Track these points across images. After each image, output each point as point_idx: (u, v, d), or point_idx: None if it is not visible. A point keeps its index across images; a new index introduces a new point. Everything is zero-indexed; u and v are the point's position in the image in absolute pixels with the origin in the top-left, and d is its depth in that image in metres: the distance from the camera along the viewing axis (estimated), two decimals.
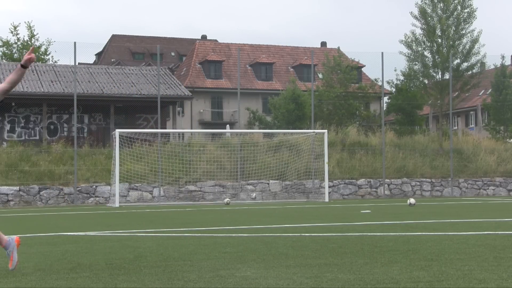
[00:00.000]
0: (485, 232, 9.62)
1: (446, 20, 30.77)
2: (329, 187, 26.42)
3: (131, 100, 31.48)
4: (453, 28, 30.95)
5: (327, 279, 5.42)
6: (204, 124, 49.23)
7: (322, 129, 27.67)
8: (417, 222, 12.30)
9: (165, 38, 71.49)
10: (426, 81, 33.18)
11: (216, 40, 64.01)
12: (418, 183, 28.42)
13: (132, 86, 32.56)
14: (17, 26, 40.04)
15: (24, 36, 41.27)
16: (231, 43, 55.24)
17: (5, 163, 25.28)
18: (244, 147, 27.29)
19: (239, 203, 23.97)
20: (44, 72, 32.86)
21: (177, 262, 6.70)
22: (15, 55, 39.74)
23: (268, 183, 26.59)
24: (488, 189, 29.17)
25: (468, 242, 8.19)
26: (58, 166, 25.53)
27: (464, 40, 31.16)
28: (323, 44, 60.82)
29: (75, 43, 25.90)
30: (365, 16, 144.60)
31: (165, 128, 33.12)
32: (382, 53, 28.76)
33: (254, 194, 23.31)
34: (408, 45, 31.45)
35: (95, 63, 64.15)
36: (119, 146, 23.70)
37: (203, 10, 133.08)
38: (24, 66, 5.90)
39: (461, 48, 31.07)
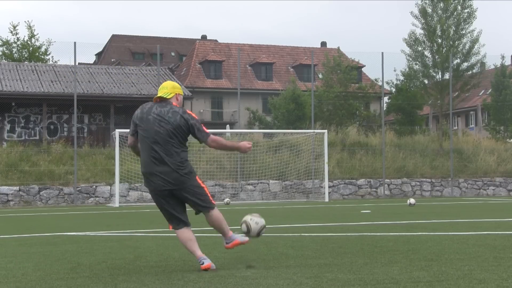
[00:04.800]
0: (485, 232, 9.62)
1: (446, 20, 30.79)
2: (329, 187, 26.42)
3: (131, 100, 31.46)
4: (453, 28, 30.96)
5: (327, 279, 5.42)
6: (204, 124, 49.16)
7: (322, 129, 27.65)
8: (417, 222, 12.30)
9: (165, 38, 71.48)
10: (426, 81, 33.18)
11: (216, 40, 64.01)
12: (418, 183, 28.41)
13: (132, 86, 32.56)
14: (17, 25, 40.01)
15: (24, 36, 41.29)
16: (231, 43, 55.23)
17: (5, 163, 25.28)
18: None
19: (239, 203, 23.97)
20: (44, 72, 32.86)
21: (177, 262, 6.71)
22: (15, 55, 39.72)
23: (268, 183, 26.59)
24: (488, 189, 29.17)
25: (468, 242, 8.19)
26: (58, 166, 25.53)
27: (464, 40, 31.18)
28: (323, 44, 60.82)
29: (75, 43, 25.90)
30: (365, 16, 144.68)
31: None
32: (382, 53, 28.78)
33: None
34: (409, 45, 31.48)
35: (95, 63, 64.15)
36: (119, 146, 23.69)
37: (203, 10, 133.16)
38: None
39: (461, 48, 31.09)
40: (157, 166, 6.00)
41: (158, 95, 6.19)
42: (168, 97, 6.17)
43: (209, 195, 6.24)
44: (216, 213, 6.22)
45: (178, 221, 6.25)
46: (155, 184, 6.06)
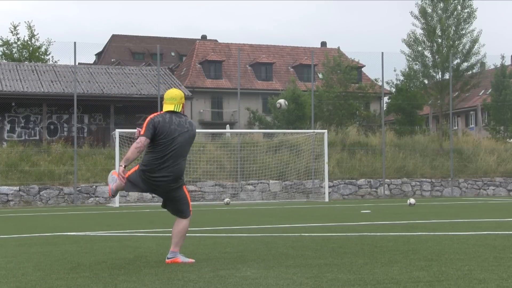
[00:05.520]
0: (485, 232, 9.63)
1: (446, 20, 30.79)
2: (329, 187, 26.41)
3: (131, 100, 31.46)
4: (453, 28, 30.96)
5: (327, 279, 5.42)
6: (204, 124, 49.23)
7: (322, 129, 27.65)
8: (417, 222, 12.30)
9: (165, 38, 71.47)
10: (426, 81, 33.18)
11: (216, 40, 64.01)
12: (418, 183, 28.41)
13: (132, 86, 32.56)
14: (17, 25, 40.04)
15: (24, 36, 41.29)
16: (231, 43, 55.23)
17: (5, 163, 25.28)
18: (244, 147, 27.28)
19: (239, 203, 23.98)
20: (44, 72, 32.86)
21: None
22: (15, 55, 39.74)
23: (268, 183, 26.58)
24: (488, 189, 29.17)
25: (468, 242, 8.19)
26: (58, 166, 25.53)
27: (464, 40, 31.18)
28: (323, 44, 60.82)
29: (75, 43, 25.89)
30: (365, 16, 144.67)
31: None
32: (382, 53, 28.77)
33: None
34: (409, 45, 31.48)
35: (95, 63, 64.14)
36: (119, 146, 23.69)
37: (203, 10, 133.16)
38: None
39: (461, 48, 31.09)
40: (161, 171, 6.62)
41: (170, 108, 6.80)
42: (179, 110, 6.85)
43: (189, 205, 6.88)
44: (184, 223, 6.87)
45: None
46: (148, 186, 6.74)
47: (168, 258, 6.72)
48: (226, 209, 19.50)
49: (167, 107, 6.81)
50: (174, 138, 6.63)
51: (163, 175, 6.60)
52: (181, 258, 6.70)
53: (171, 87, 32.97)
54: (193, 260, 6.78)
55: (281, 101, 10.74)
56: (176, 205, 6.82)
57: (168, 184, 6.65)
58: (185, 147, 6.72)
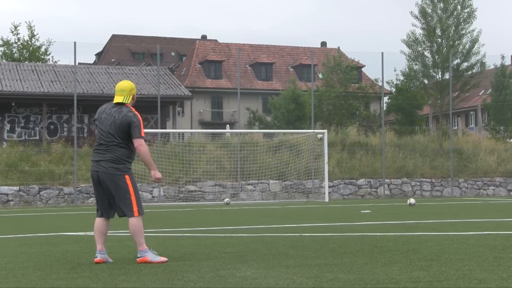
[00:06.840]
0: (485, 232, 9.62)
1: (446, 20, 30.78)
2: (329, 187, 26.41)
3: None
4: (453, 28, 30.96)
5: (327, 279, 5.42)
6: (204, 124, 49.23)
7: (322, 129, 27.65)
8: (417, 222, 12.30)
9: (165, 38, 71.46)
10: (426, 81, 33.17)
11: (216, 40, 64.00)
12: (418, 183, 28.41)
13: None
14: (18, 26, 40.07)
15: (24, 36, 41.31)
16: (231, 43, 55.23)
17: (5, 163, 25.28)
18: (244, 147, 27.28)
19: (239, 203, 23.97)
20: (44, 72, 32.85)
21: (177, 262, 6.70)
22: (15, 55, 39.74)
23: (268, 183, 26.58)
24: (488, 189, 29.16)
25: (468, 242, 8.19)
26: (58, 166, 25.53)
27: (464, 40, 31.17)
28: (323, 44, 60.81)
29: (75, 43, 25.90)
30: (365, 16, 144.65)
31: (165, 128, 33.08)
32: (382, 53, 28.77)
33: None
34: (409, 45, 31.47)
35: (95, 63, 64.12)
36: None
37: (203, 10, 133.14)
38: None
39: (461, 48, 31.08)
40: (98, 156, 6.88)
41: (118, 100, 6.87)
42: (127, 102, 6.91)
43: (133, 201, 6.93)
44: (134, 221, 6.81)
45: (101, 211, 6.96)
46: (92, 171, 7.01)
47: (138, 258, 6.73)
48: (226, 209, 19.50)
49: (116, 98, 6.93)
50: (100, 126, 6.85)
51: (98, 159, 6.85)
52: (151, 257, 6.68)
53: (171, 87, 32.95)
54: (165, 259, 6.72)
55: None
56: (119, 196, 6.79)
57: (106, 165, 6.76)
58: (113, 133, 6.76)
